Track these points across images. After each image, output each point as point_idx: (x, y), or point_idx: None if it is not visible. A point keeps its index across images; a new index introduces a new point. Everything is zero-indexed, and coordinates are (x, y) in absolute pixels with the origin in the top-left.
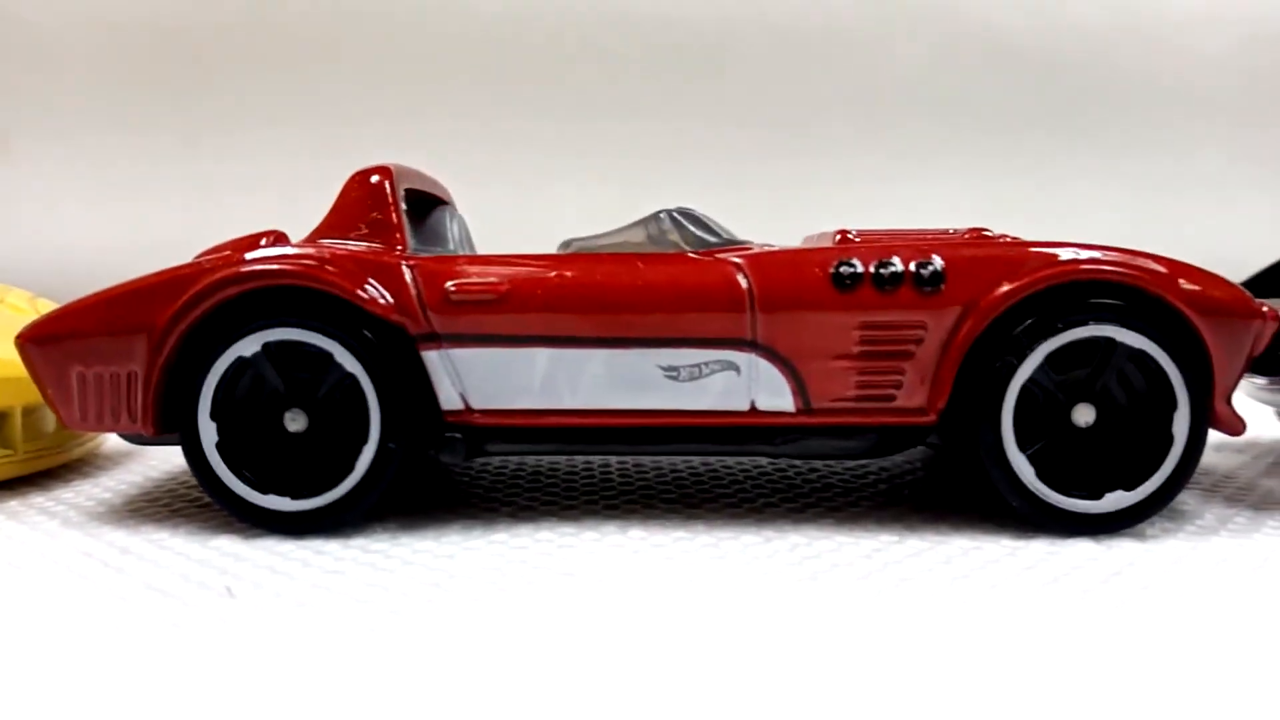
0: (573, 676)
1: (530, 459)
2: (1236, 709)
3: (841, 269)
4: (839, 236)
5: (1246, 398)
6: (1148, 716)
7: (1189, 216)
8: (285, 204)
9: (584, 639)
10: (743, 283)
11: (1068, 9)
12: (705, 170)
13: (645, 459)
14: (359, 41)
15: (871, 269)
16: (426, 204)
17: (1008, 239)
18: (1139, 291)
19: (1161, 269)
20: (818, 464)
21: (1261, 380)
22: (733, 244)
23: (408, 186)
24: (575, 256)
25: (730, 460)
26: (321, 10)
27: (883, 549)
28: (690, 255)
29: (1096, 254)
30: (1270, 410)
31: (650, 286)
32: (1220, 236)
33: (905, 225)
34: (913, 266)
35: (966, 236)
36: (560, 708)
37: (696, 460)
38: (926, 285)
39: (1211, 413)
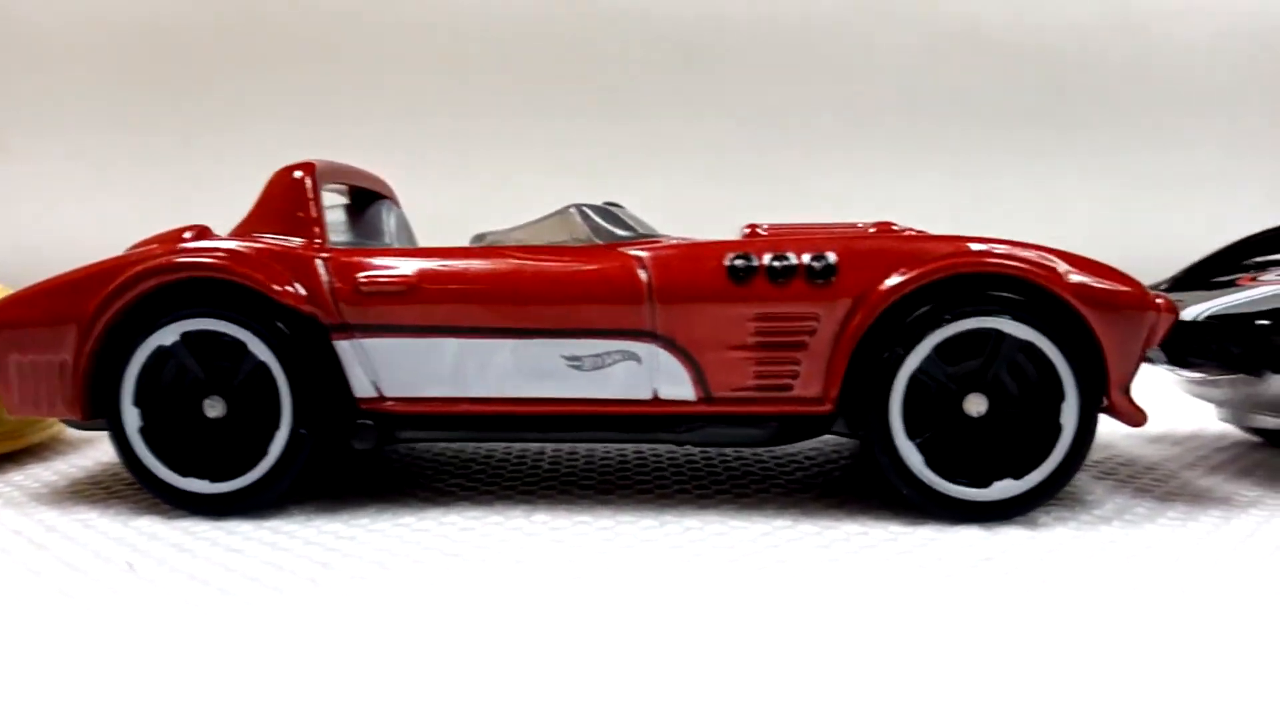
0: (429, 655)
1: (469, 446)
2: (1066, 693)
3: (736, 262)
4: (748, 230)
5: (1185, 394)
6: (979, 699)
7: (1177, 210)
8: None
9: (447, 619)
10: (642, 275)
11: (1054, 2)
12: (692, 167)
13: (578, 446)
14: (354, 41)
15: (765, 262)
16: (366, 198)
17: (911, 232)
18: (1027, 284)
19: (1050, 262)
20: (745, 453)
21: (1195, 375)
22: (644, 238)
23: (349, 183)
24: (481, 249)
25: (660, 448)
26: (319, 10)
27: (771, 533)
28: (594, 248)
29: (985, 247)
30: (1210, 407)
31: (552, 278)
32: (1209, 230)
33: (889, 220)
34: (805, 259)
35: (872, 230)
36: (413, 686)
37: (630, 448)
38: (818, 278)
39: (1110, 404)
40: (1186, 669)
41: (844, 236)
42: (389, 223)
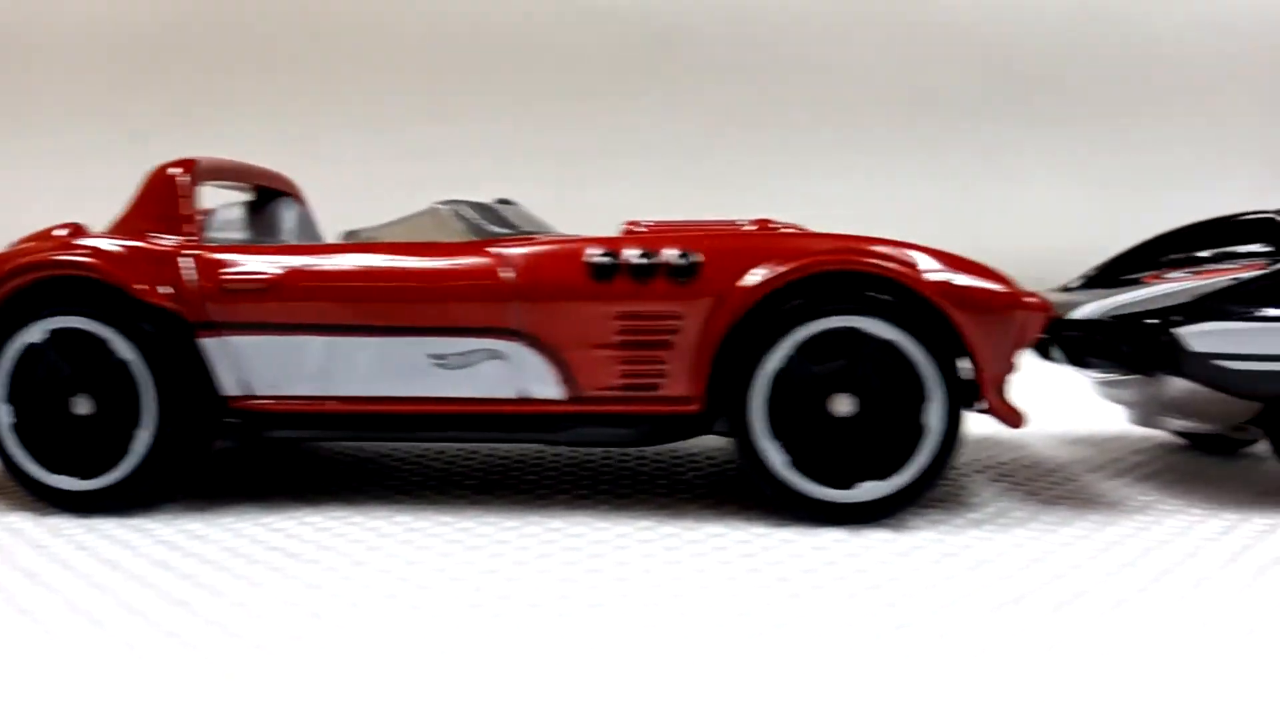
0: (233, 655)
1: (370, 444)
2: (871, 699)
3: (598, 260)
4: (626, 227)
5: (1098, 397)
6: (772, 706)
7: (1147, 206)
8: None
9: (260, 620)
10: (506, 273)
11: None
12: (657, 165)
13: (480, 446)
14: (322, 44)
15: (627, 260)
16: (268, 195)
17: (791, 230)
18: (890, 283)
19: (916, 260)
20: (647, 451)
21: (1100, 376)
22: (519, 235)
23: (245, 180)
24: (345, 246)
25: (561, 448)
26: (308, 11)
27: (628, 534)
28: (459, 245)
29: (849, 245)
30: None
31: (414, 275)
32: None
33: (768, 217)
34: (668, 257)
35: (748, 228)
36: (213, 686)
37: (532, 447)
38: (681, 276)
39: (987, 405)
40: (1005, 678)
41: (709, 234)
42: (287, 220)
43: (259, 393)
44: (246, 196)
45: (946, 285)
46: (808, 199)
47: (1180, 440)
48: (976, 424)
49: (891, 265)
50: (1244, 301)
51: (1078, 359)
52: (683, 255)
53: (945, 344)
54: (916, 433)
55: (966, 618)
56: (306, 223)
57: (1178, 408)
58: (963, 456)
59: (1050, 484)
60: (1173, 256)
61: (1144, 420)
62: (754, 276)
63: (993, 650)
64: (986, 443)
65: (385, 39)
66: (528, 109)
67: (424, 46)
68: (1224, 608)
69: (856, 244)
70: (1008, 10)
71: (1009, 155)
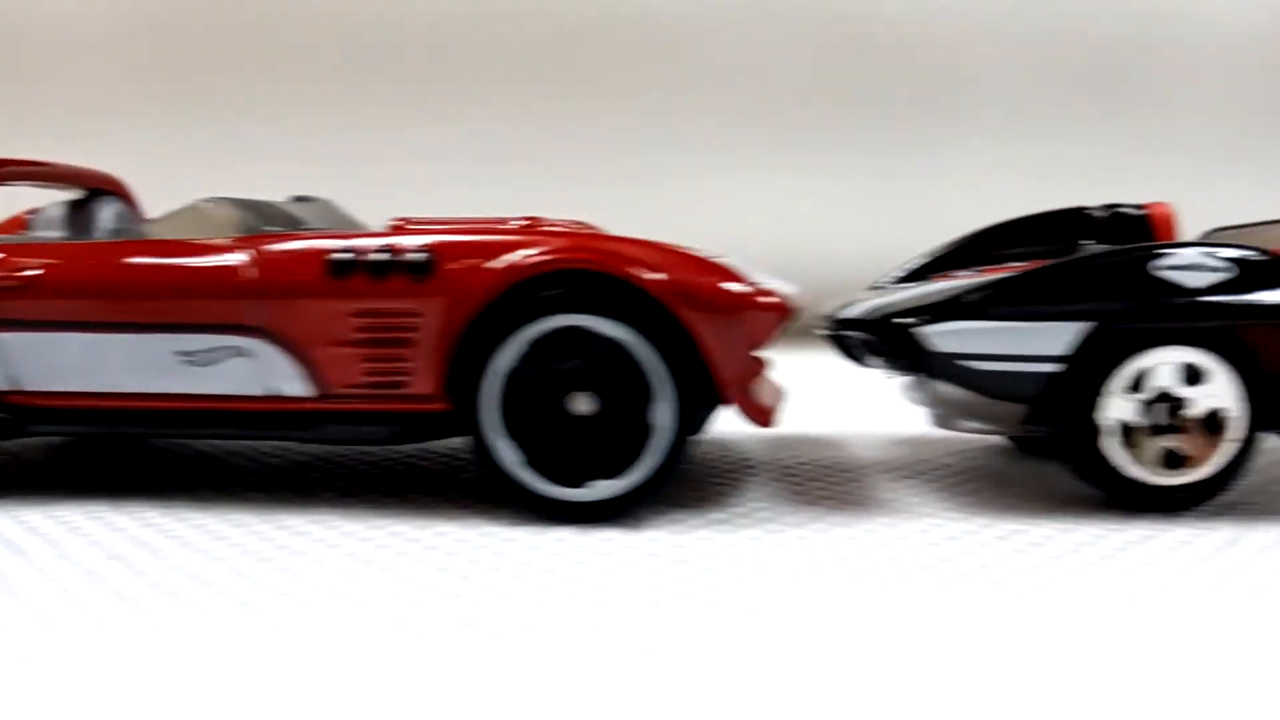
0: None
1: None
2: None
3: (338, 257)
4: (392, 224)
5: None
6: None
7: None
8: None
9: None
10: (247, 270)
11: None
12: (577, 167)
13: (291, 445)
14: (341, 42)
15: (365, 257)
16: (97, 193)
17: (557, 228)
18: (618, 281)
19: (643, 257)
20: (459, 450)
21: (905, 378)
22: (280, 233)
23: (64, 181)
24: (97, 244)
25: (417, 448)
26: (308, 11)
27: (354, 533)
28: (210, 243)
29: (574, 244)
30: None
31: (160, 273)
32: None
33: (537, 215)
34: (405, 255)
35: (514, 224)
36: None
37: (376, 449)
38: (417, 273)
39: (735, 404)
40: (621, 681)
41: (448, 231)
42: (105, 218)
43: (26, 388)
44: (74, 195)
45: (672, 283)
46: (761, 197)
47: (1008, 443)
48: (796, 424)
49: (616, 263)
50: (990, 301)
51: (857, 357)
52: (419, 253)
53: (676, 343)
54: (646, 432)
55: (604, 619)
56: (126, 219)
57: (956, 408)
58: (760, 455)
59: (829, 485)
60: (989, 254)
61: (942, 422)
62: (483, 275)
63: (607, 653)
64: (795, 441)
65: (385, 40)
66: (527, 109)
67: (423, 47)
68: (888, 615)
69: (585, 242)
70: (946, 11)
71: (944, 153)
